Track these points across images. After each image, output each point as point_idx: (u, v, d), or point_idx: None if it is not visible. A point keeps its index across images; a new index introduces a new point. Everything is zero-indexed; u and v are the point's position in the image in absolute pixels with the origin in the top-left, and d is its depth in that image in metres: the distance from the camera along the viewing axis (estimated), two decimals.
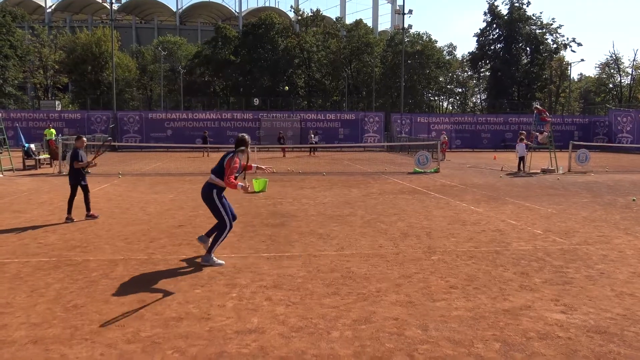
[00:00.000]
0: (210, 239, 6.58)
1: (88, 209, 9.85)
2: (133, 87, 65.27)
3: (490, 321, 4.60)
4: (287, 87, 49.07)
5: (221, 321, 4.56)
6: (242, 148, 6.43)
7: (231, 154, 6.37)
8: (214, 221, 6.67)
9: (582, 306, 5.01)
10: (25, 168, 20.74)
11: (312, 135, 33.71)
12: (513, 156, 23.86)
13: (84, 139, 10.38)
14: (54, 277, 5.89)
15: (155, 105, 65.89)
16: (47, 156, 22.72)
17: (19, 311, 4.78)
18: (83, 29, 63.17)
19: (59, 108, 46.55)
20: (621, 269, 6.37)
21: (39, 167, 21.22)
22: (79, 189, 9.86)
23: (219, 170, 6.40)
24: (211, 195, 6.44)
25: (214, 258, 6.47)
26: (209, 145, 31.71)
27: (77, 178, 9.82)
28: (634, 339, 4.23)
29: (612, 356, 3.90)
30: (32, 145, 22.16)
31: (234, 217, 6.69)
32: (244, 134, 6.61)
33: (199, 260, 6.58)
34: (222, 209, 6.46)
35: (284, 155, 31.79)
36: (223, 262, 6.50)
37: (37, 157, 21.60)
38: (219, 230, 6.50)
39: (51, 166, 21.54)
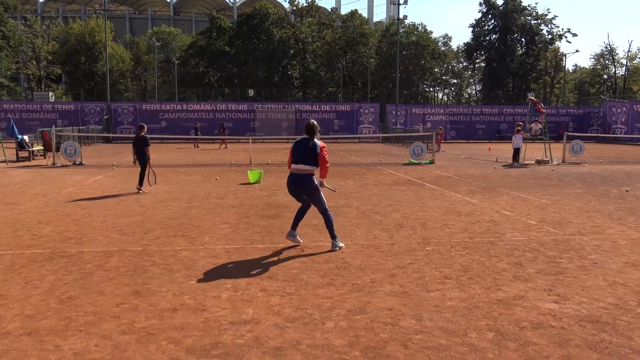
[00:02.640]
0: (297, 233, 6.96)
1: (141, 183, 12.21)
2: (127, 78, 64.85)
3: (484, 311, 4.63)
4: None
5: (216, 312, 4.57)
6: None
7: (314, 141, 6.64)
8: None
9: (575, 296, 5.04)
10: (18, 160, 20.63)
11: None
12: (508, 147, 23.91)
13: (145, 126, 12.85)
14: (48, 268, 5.88)
15: (149, 96, 65.56)
16: (41, 148, 22.61)
17: (13, 303, 4.77)
18: (76, 20, 62.59)
19: (52, 99, 46.25)
20: (614, 259, 6.41)
21: (33, 159, 21.12)
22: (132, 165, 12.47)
23: (313, 159, 6.60)
24: (313, 182, 6.71)
25: (338, 242, 6.90)
26: (199, 137, 31.57)
27: (146, 157, 12.25)
28: (626, 327, 4.26)
29: (604, 345, 3.93)
30: (26, 137, 22.04)
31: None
32: (313, 120, 6.93)
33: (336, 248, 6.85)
34: (321, 193, 6.81)
35: (226, 147, 30.72)
36: (342, 244, 6.96)
37: (30, 149, 21.48)
38: (326, 218, 6.85)
39: (45, 158, 21.44)
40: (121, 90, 62.21)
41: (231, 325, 4.29)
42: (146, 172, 12.37)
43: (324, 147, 6.70)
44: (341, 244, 6.91)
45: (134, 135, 13.23)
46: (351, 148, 31.62)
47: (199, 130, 32.21)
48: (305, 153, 6.65)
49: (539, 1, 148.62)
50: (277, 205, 10.28)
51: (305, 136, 6.78)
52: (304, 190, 6.79)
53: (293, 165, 6.75)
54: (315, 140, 6.69)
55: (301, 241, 7.09)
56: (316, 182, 6.75)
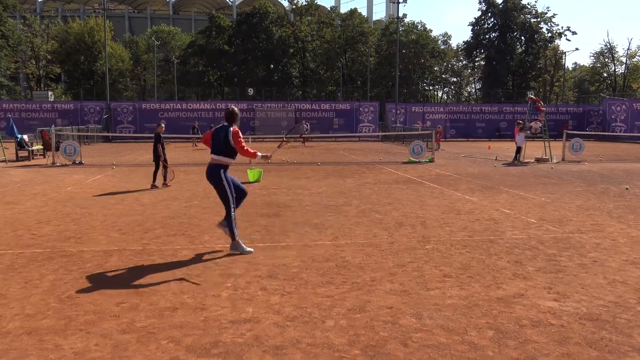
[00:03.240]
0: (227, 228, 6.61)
1: (165, 179, 13.04)
2: (126, 77, 64.84)
3: (483, 309, 4.63)
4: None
5: (216, 311, 4.57)
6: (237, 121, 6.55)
7: (228, 129, 6.37)
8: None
9: (574, 294, 5.05)
10: (18, 159, 20.62)
11: (306, 126, 33.70)
12: (507, 145, 23.86)
13: (162, 125, 13.46)
14: (48, 268, 5.87)
15: (149, 95, 65.56)
16: (41, 147, 22.59)
17: (13, 302, 4.77)
18: (75, 19, 62.55)
19: (51, 98, 46.21)
20: (614, 257, 6.41)
21: (32, 158, 21.11)
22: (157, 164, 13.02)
23: (224, 149, 6.37)
24: (219, 175, 6.42)
25: (242, 245, 6.53)
26: (197, 136, 31.53)
27: (156, 154, 12.85)
28: (626, 325, 4.27)
29: (604, 343, 3.94)
30: (25, 137, 22.02)
31: (244, 192, 6.72)
32: (233, 106, 6.69)
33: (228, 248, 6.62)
34: (228, 189, 6.45)
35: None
36: (252, 249, 6.59)
37: (30, 148, 21.47)
38: (227, 216, 6.49)
39: (44, 157, 21.43)
40: (120, 89, 62.19)
41: (231, 324, 4.29)
42: (159, 169, 12.94)
43: (236, 133, 6.33)
44: (249, 249, 6.52)
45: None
46: (351, 147, 31.62)
47: (198, 129, 32.12)
48: (218, 142, 6.41)
49: None
50: (277, 204, 10.28)
51: (224, 124, 6.50)
52: (211, 181, 6.50)
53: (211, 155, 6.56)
54: (230, 128, 6.38)
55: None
56: (224, 176, 6.41)
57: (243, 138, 6.49)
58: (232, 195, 6.48)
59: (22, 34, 56.86)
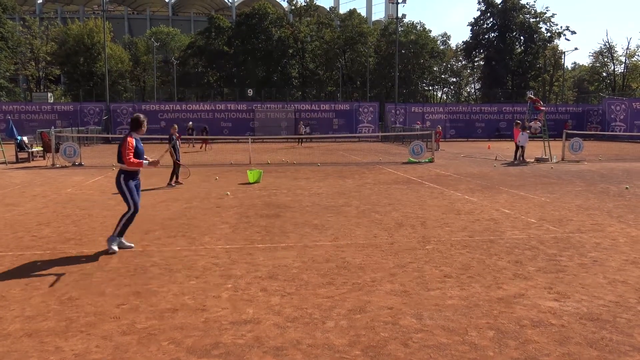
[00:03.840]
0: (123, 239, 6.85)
1: (177, 177, 13.62)
2: (126, 79, 64.82)
3: (484, 309, 4.63)
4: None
5: (216, 312, 4.57)
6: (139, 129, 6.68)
7: (125, 137, 6.55)
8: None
9: (575, 294, 5.05)
10: (18, 161, 20.62)
11: (303, 126, 33.71)
12: (506, 145, 23.83)
13: (175, 126, 14.31)
14: (48, 269, 5.87)
15: (148, 96, 65.48)
16: (40, 149, 22.59)
17: (14, 304, 4.77)
18: (74, 20, 62.53)
19: (51, 100, 46.17)
20: (614, 256, 6.42)
21: (32, 160, 21.11)
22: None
23: (120, 156, 6.56)
24: (119, 180, 6.60)
25: (123, 240, 6.71)
26: (194, 137, 31.51)
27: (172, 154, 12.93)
28: (626, 325, 4.27)
29: (604, 342, 3.94)
30: (25, 138, 22.02)
31: (137, 208, 6.74)
32: (139, 114, 6.81)
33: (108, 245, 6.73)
34: (127, 193, 6.60)
35: (201, 147, 29.71)
36: (132, 244, 6.85)
37: (29, 150, 21.46)
38: (124, 214, 6.67)
39: (44, 159, 21.42)
40: (120, 90, 62.16)
41: (232, 325, 4.29)
42: (178, 168, 13.46)
43: (124, 142, 6.46)
44: (115, 248, 6.61)
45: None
46: (350, 147, 31.61)
47: (194, 129, 32.04)
48: (119, 149, 6.58)
49: None
50: (276, 205, 10.28)
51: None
52: (116, 185, 6.69)
53: None
54: (126, 137, 6.56)
55: (132, 245, 6.93)
56: (124, 182, 6.56)
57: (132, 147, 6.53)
58: (131, 199, 6.61)
59: (21, 35, 56.82)
